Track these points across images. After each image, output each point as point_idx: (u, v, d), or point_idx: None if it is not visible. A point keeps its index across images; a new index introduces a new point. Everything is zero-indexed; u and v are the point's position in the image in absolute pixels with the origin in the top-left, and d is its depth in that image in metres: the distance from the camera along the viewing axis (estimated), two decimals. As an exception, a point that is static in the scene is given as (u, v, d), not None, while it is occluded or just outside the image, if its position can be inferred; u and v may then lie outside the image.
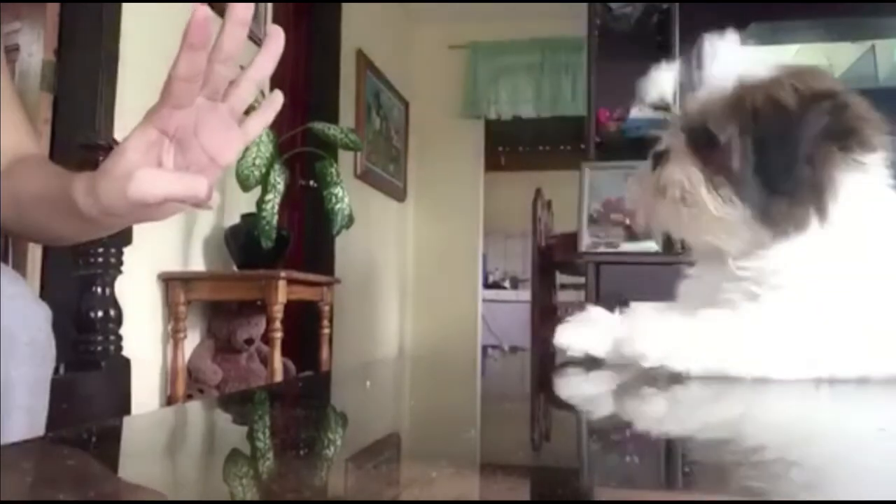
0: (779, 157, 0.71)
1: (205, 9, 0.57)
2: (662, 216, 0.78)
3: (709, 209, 0.73)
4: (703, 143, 0.74)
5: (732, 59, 0.76)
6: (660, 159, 0.78)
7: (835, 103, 0.71)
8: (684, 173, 0.75)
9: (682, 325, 0.72)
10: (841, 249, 0.71)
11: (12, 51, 2.23)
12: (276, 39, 0.65)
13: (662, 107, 0.79)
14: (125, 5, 2.25)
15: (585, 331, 0.81)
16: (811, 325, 0.70)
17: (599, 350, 0.79)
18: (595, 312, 0.83)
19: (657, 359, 0.71)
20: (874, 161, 0.72)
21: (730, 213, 0.72)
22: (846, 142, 0.71)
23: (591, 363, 0.79)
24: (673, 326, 0.72)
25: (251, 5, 0.62)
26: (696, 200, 0.74)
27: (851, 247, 0.71)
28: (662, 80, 0.79)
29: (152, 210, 0.66)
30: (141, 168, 0.62)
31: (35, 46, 2.24)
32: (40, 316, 0.81)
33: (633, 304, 0.81)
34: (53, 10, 2.22)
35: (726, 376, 0.69)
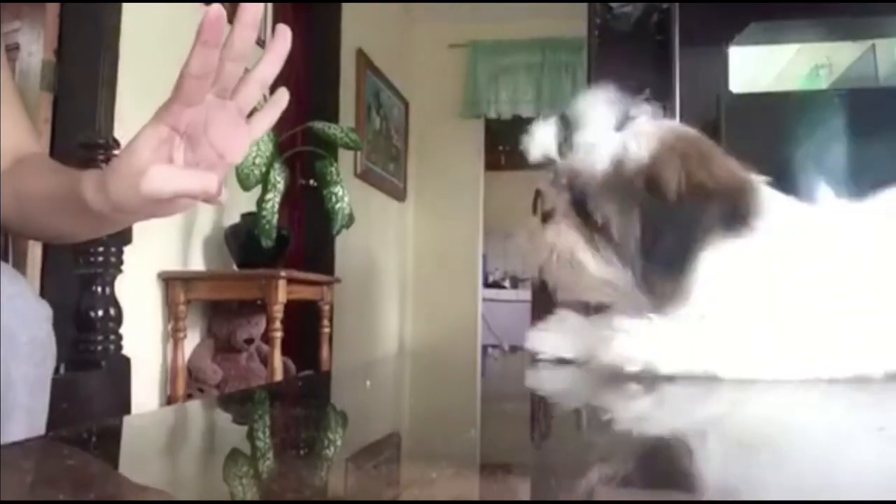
0: (658, 241, 0.71)
1: (218, 7, 0.58)
2: (550, 273, 0.79)
3: (587, 271, 0.75)
4: (583, 210, 0.75)
5: (608, 121, 0.75)
6: (546, 218, 0.79)
7: (724, 202, 0.70)
8: (562, 236, 0.76)
9: (663, 327, 0.72)
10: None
11: (12, 51, 2.23)
12: (283, 39, 0.65)
13: (547, 162, 0.78)
14: (125, 5, 2.25)
15: (557, 335, 0.84)
16: (788, 324, 0.71)
17: (570, 353, 0.82)
18: (566, 316, 0.85)
19: (640, 362, 0.71)
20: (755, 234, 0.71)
21: (610, 274, 0.74)
22: (727, 230, 0.71)
23: (588, 364, 0.79)
24: (654, 330, 0.73)
25: (260, 7, 0.62)
26: (575, 262, 0.76)
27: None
28: (544, 136, 0.78)
29: (163, 206, 0.66)
30: (153, 164, 0.63)
31: (35, 46, 2.24)
32: (41, 315, 0.81)
33: (600, 315, 0.83)
34: (53, 10, 2.22)
35: (710, 377, 0.70)
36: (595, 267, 0.74)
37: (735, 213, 0.71)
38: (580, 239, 0.75)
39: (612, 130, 0.74)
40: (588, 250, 0.75)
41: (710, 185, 0.71)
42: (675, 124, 0.78)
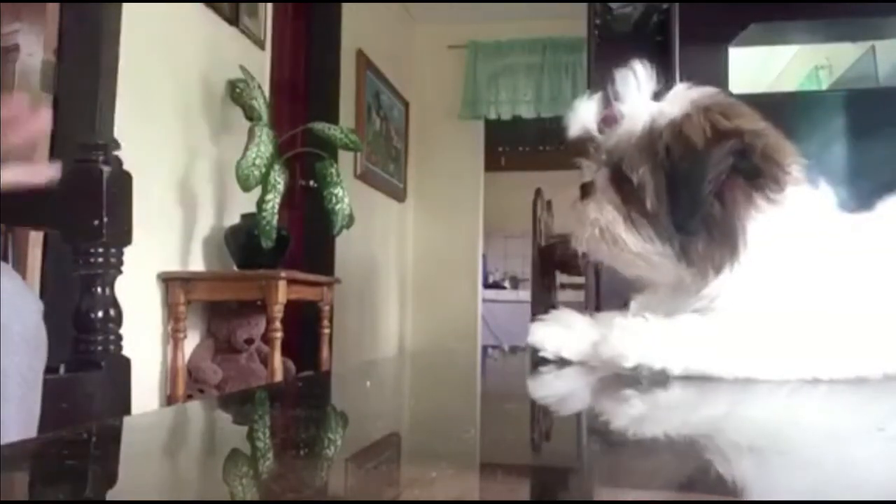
0: (686, 196, 0.71)
1: None
2: (592, 248, 0.79)
3: (628, 247, 0.75)
4: (621, 180, 0.75)
5: (647, 91, 0.76)
6: (586, 193, 0.79)
7: (742, 142, 0.70)
8: (603, 211, 0.76)
9: (661, 325, 0.72)
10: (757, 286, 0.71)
11: (12, 51, 2.23)
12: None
13: (587, 138, 0.79)
14: (125, 5, 2.25)
15: (559, 331, 0.82)
16: (784, 326, 0.71)
17: (572, 351, 0.80)
18: (567, 315, 0.84)
19: (637, 358, 0.71)
20: (786, 197, 0.71)
21: (649, 251, 0.74)
22: (754, 181, 0.71)
23: (588, 363, 0.79)
24: (651, 327, 0.72)
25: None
26: (615, 238, 0.75)
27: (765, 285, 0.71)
28: (584, 112, 0.79)
29: None
30: None
31: (35, 46, 2.24)
32: (32, 308, 0.82)
33: (599, 314, 0.83)
34: (53, 10, 2.22)
35: (707, 375, 0.70)
36: (634, 243, 0.74)
37: (758, 157, 0.70)
38: (619, 215, 0.75)
39: (649, 100, 0.75)
40: (627, 227, 0.74)
41: (735, 131, 0.71)
42: (709, 89, 0.77)
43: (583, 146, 0.80)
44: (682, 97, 0.75)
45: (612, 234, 0.75)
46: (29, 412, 0.80)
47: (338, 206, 2.70)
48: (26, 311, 0.81)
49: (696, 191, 0.70)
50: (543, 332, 0.83)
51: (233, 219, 2.76)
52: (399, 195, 4.94)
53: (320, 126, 2.86)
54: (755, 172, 0.71)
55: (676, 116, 0.73)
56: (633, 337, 0.72)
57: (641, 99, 0.76)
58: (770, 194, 0.71)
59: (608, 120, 0.77)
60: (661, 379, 0.70)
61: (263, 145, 2.52)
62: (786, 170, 0.72)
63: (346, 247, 3.75)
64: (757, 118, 0.75)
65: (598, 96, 0.79)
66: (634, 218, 0.74)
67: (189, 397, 2.47)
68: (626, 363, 0.71)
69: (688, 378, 0.70)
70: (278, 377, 2.47)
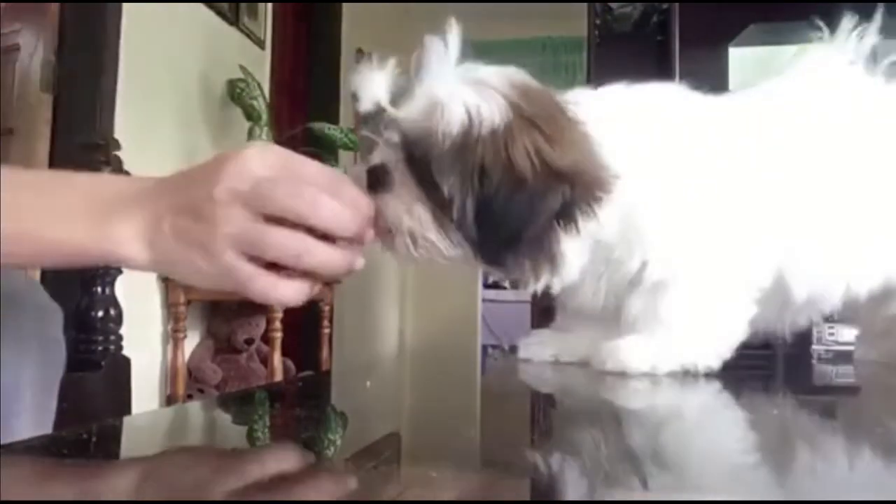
0: (504, 232, 0.66)
1: None
2: (404, 256, 0.70)
3: (442, 253, 0.68)
4: (423, 177, 0.66)
5: (451, 66, 0.70)
6: (378, 180, 0.67)
7: (571, 190, 0.66)
8: (411, 213, 0.67)
9: (658, 330, 0.74)
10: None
11: (12, 51, 2.23)
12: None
13: (378, 111, 0.69)
14: (125, 5, 2.25)
15: (547, 346, 0.84)
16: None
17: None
18: (546, 334, 0.87)
19: (642, 366, 0.72)
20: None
21: (461, 257, 0.68)
22: (577, 217, 0.67)
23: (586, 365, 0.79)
24: (647, 334, 0.74)
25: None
26: (426, 243, 0.68)
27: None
28: (375, 82, 0.69)
29: None
30: (256, 276, 0.56)
31: (35, 46, 2.24)
32: (51, 318, 0.81)
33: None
34: (53, 10, 2.22)
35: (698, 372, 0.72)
36: (448, 248, 0.67)
37: (582, 198, 0.66)
38: (427, 215, 0.67)
39: (461, 85, 0.68)
40: (438, 232, 0.67)
41: (566, 175, 0.65)
42: (525, 80, 0.72)
43: (373, 120, 0.70)
44: (499, 88, 0.68)
45: (424, 238, 0.67)
46: (42, 423, 0.79)
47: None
48: (44, 320, 0.80)
49: (517, 231, 0.65)
50: (533, 347, 0.86)
51: (233, 219, 2.76)
52: (399, 195, 4.94)
53: (320, 126, 2.86)
54: (573, 219, 0.67)
55: (497, 127, 0.65)
56: (634, 345, 0.73)
57: (450, 80, 0.68)
58: (587, 214, 0.67)
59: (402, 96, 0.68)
60: (661, 380, 0.70)
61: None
62: (602, 190, 0.67)
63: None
64: (581, 138, 0.68)
65: (391, 64, 0.70)
66: (443, 221, 0.66)
67: (189, 397, 2.47)
68: (632, 371, 0.72)
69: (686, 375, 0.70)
70: (278, 377, 2.47)
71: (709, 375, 0.72)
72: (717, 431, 0.52)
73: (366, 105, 0.68)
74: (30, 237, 0.56)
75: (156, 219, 0.55)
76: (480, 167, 0.64)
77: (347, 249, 0.58)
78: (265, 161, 0.56)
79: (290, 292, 0.56)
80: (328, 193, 0.55)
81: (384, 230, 0.67)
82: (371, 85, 0.69)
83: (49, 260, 0.61)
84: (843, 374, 0.96)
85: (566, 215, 0.66)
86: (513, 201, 0.64)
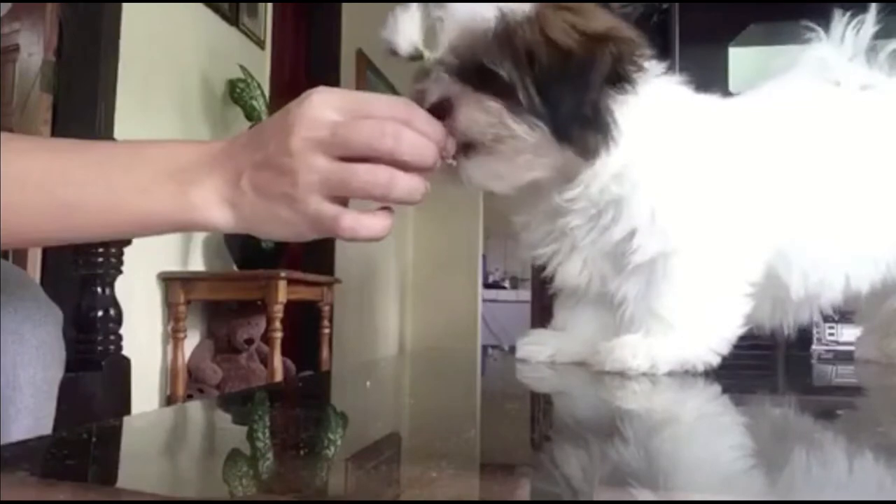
0: (568, 101, 0.68)
1: None
2: (472, 173, 0.71)
3: (522, 136, 0.68)
4: (485, 80, 0.68)
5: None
6: (442, 112, 0.67)
7: (616, 48, 0.69)
8: (483, 111, 0.68)
9: (655, 328, 0.74)
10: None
11: (12, 51, 2.23)
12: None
13: (417, 56, 0.72)
14: (125, 5, 2.25)
15: (545, 346, 0.85)
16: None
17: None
18: (544, 334, 0.87)
19: (641, 366, 0.73)
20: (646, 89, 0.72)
21: (539, 138, 0.69)
22: (626, 81, 0.70)
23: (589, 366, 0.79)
24: (645, 333, 0.74)
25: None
26: (506, 134, 0.69)
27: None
28: (407, 24, 0.72)
29: None
30: (341, 216, 0.56)
31: (35, 46, 2.24)
32: (50, 319, 0.81)
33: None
34: (53, 10, 2.22)
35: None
36: (525, 132, 0.68)
37: (627, 57, 0.70)
38: (499, 104, 0.68)
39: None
40: (511, 116, 0.68)
41: (604, 36, 0.69)
42: None
43: (417, 68, 0.73)
44: None
45: (501, 131, 0.68)
46: (41, 424, 0.79)
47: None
48: (44, 321, 0.80)
49: (580, 98, 0.68)
50: (529, 347, 0.86)
51: (233, 219, 2.76)
52: (399, 195, 4.93)
53: (320, 126, 2.85)
54: (623, 77, 0.70)
55: (530, 14, 0.68)
56: (633, 345, 0.73)
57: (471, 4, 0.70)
58: (631, 90, 0.71)
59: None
60: (660, 379, 0.70)
61: (263, 145, 2.51)
62: (644, 68, 0.72)
63: (345, 246, 3.75)
64: (606, 14, 0.73)
65: (415, 6, 0.73)
66: (514, 108, 0.68)
67: (189, 397, 2.47)
68: (632, 371, 0.73)
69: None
70: (278, 377, 2.47)
71: (708, 375, 0.72)
72: (717, 432, 0.52)
73: (405, 50, 0.72)
74: (124, 209, 0.58)
75: (235, 179, 0.57)
76: (527, 52, 0.67)
77: (421, 175, 0.58)
78: (333, 104, 0.56)
79: (378, 227, 0.58)
80: (405, 125, 0.56)
81: (452, 155, 0.67)
82: (406, 30, 0.72)
83: (139, 231, 0.63)
84: (843, 374, 0.96)
85: (617, 76, 0.69)
86: (567, 73, 0.67)
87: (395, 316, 4.97)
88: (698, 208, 0.73)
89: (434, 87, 0.70)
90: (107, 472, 0.40)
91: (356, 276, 4.00)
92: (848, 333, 1.74)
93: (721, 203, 0.74)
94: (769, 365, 0.94)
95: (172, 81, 2.51)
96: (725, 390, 0.71)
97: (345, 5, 3.98)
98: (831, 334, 1.90)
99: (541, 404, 0.70)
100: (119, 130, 2.18)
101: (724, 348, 0.74)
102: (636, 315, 0.75)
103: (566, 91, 0.68)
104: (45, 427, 0.80)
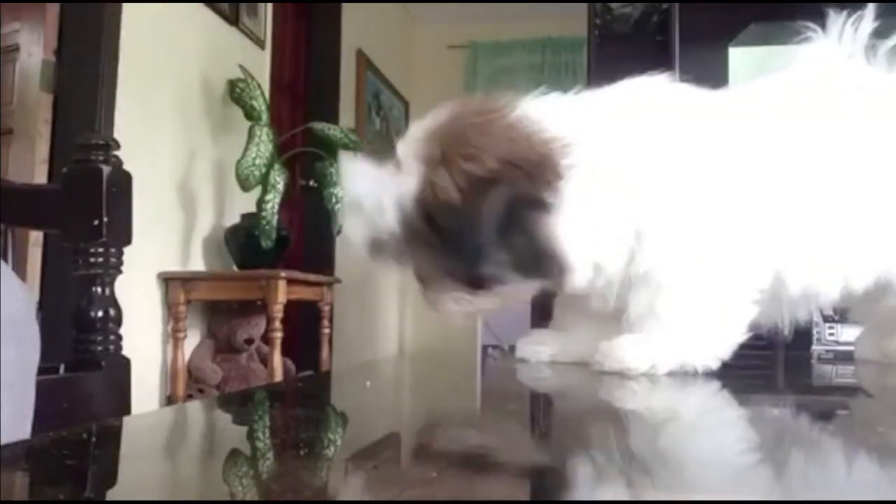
0: (466, 252, 0.68)
1: None
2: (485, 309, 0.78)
3: (477, 307, 0.74)
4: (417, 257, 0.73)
5: (373, 175, 0.72)
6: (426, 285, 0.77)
7: (509, 188, 0.66)
8: (447, 300, 0.75)
9: (656, 330, 0.74)
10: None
11: (12, 51, 2.23)
12: None
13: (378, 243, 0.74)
14: (125, 5, 2.25)
15: (545, 345, 0.86)
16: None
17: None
18: (544, 333, 0.88)
19: (640, 366, 0.73)
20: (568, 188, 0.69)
21: (493, 293, 0.72)
22: (533, 199, 0.67)
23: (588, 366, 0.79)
24: (646, 334, 0.74)
25: None
26: (475, 308, 0.75)
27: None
28: (352, 228, 0.75)
29: None
30: None
31: (35, 46, 2.24)
32: (20, 296, 0.80)
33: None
34: (53, 10, 2.22)
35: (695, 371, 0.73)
36: (478, 299, 0.74)
37: (531, 186, 0.67)
38: (451, 291, 0.74)
39: (381, 179, 0.71)
40: (462, 293, 0.73)
41: (488, 171, 0.66)
42: (440, 116, 0.74)
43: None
44: (408, 156, 0.70)
45: (471, 307, 0.75)
46: (17, 405, 0.78)
47: (338, 206, 2.70)
48: (14, 299, 0.79)
49: (475, 244, 0.67)
50: (529, 347, 0.87)
51: (233, 219, 2.76)
52: (399, 195, 4.93)
53: (320, 126, 2.86)
54: (531, 194, 0.67)
55: (418, 188, 0.68)
56: (635, 346, 0.74)
57: (372, 186, 0.71)
58: (553, 190, 0.67)
59: None
60: (661, 379, 0.70)
61: (263, 145, 2.52)
62: (559, 164, 0.68)
63: (345, 246, 3.75)
64: (503, 133, 0.69)
65: (350, 206, 0.74)
66: (459, 285, 0.73)
67: (189, 397, 2.47)
68: (632, 372, 0.73)
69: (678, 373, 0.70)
70: (278, 377, 2.47)
71: (708, 375, 0.72)
72: (717, 432, 0.52)
73: (365, 248, 0.76)
74: None
75: None
76: (425, 219, 0.67)
77: None
78: None
79: None
80: None
81: None
82: (352, 231, 0.74)
83: None
84: (843, 374, 0.96)
85: (523, 209, 0.67)
86: (462, 223, 0.66)
87: (395, 316, 4.97)
88: (702, 218, 0.73)
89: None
90: (107, 472, 0.40)
91: (356, 276, 4.00)
92: (848, 333, 1.75)
93: (726, 211, 0.73)
94: (769, 365, 0.93)
95: (172, 81, 2.51)
96: (724, 389, 0.71)
97: (345, 5, 3.98)
98: (831, 334, 1.91)
99: (541, 404, 0.70)
100: (119, 130, 2.18)
101: (726, 353, 0.74)
102: (640, 317, 0.75)
103: (474, 240, 0.67)
104: (25, 408, 0.79)
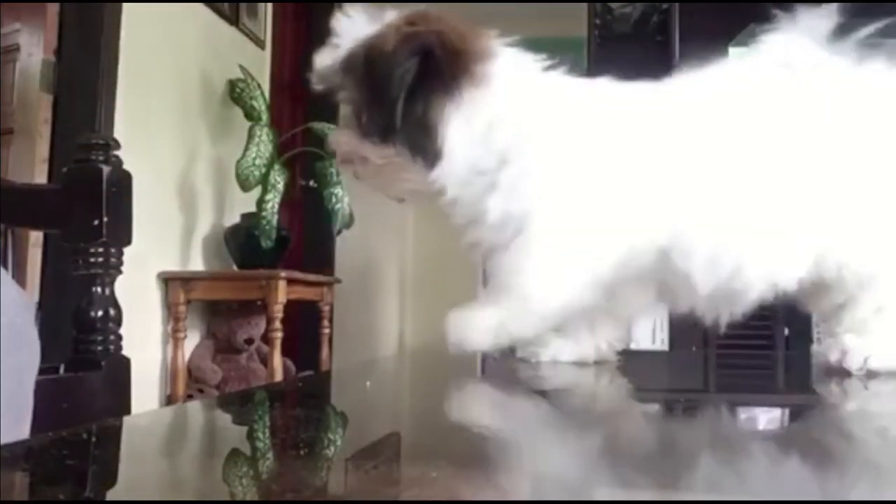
0: (378, 103, 0.73)
1: None
2: (370, 184, 0.83)
3: (372, 160, 0.77)
4: (346, 100, 0.78)
5: (363, 26, 0.77)
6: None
7: (421, 43, 0.72)
8: (343, 135, 0.79)
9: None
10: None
11: (12, 51, 2.23)
12: None
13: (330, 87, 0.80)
14: (125, 5, 2.26)
15: (544, 346, 0.84)
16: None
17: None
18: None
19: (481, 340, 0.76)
20: (493, 76, 0.75)
21: (390, 155, 0.75)
22: (451, 77, 0.73)
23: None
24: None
25: None
26: (361, 157, 0.77)
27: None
28: (321, 63, 0.80)
29: None
30: None
31: (35, 46, 2.24)
32: (18, 302, 0.80)
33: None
34: (53, 10, 2.22)
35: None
36: (375, 153, 0.76)
37: (442, 54, 0.72)
38: (356, 134, 0.77)
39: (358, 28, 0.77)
40: (364, 143, 0.76)
41: (414, 35, 0.73)
42: (420, 8, 0.79)
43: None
44: (389, 18, 0.77)
45: (358, 154, 0.78)
46: (15, 413, 0.78)
47: (338, 206, 2.70)
48: (11, 304, 0.79)
49: (385, 96, 0.72)
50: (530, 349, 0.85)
51: (233, 218, 2.76)
52: (399, 195, 4.93)
53: (320, 126, 2.86)
54: (445, 69, 0.73)
55: (374, 34, 0.75)
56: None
57: (356, 31, 0.77)
58: (470, 83, 0.73)
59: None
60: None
61: (263, 145, 2.52)
62: (478, 55, 0.75)
63: (346, 246, 3.75)
64: (450, 22, 0.77)
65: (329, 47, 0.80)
66: (366, 131, 0.76)
67: (189, 397, 2.48)
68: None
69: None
70: (278, 377, 2.47)
71: (708, 375, 0.72)
72: (717, 432, 0.52)
73: (317, 85, 0.80)
74: None
75: None
76: (362, 65, 0.74)
77: None
78: None
79: None
80: None
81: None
82: (319, 68, 0.79)
83: None
84: (842, 374, 0.96)
85: (435, 83, 0.72)
86: (378, 76, 0.72)
87: (395, 316, 4.97)
88: (561, 180, 0.74)
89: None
90: (107, 472, 0.40)
91: (356, 276, 4.00)
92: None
93: (587, 179, 0.74)
94: (769, 365, 0.93)
95: (172, 81, 2.51)
96: (724, 389, 0.71)
97: (344, 5, 3.98)
98: (831, 334, 1.91)
99: (541, 404, 0.70)
100: (119, 130, 2.18)
101: (546, 318, 0.75)
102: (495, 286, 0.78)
103: (378, 99, 0.73)
104: (22, 414, 0.78)
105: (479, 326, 0.75)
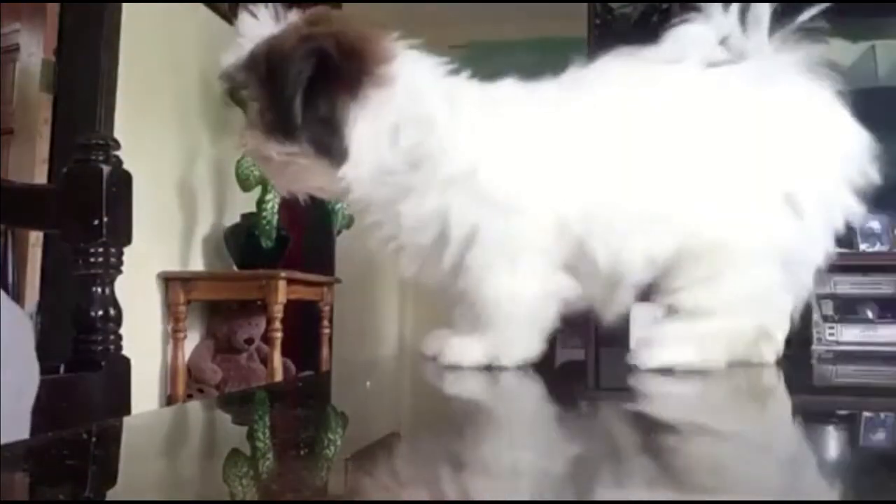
0: (278, 102, 0.74)
1: None
2: (271, 177, 0.85)
3: (275, 158, 0.77)
4: (251, 98, 0.79)
5: (268, 25, 0.79)
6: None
7: (317, 44, 0.73)
8: (248, 133, 0.79)
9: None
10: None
11: (12, 51, 2.23)
12: None
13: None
14: (125, 5, 2.26)
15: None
16: None
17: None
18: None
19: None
20: (396, 76, 0.76)
21: (295, 153, 0.76)
22: (352, 78, 0.74)
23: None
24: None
25: None
26: (265, 155, 0.78)
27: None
28: (229, 61, 0.81)
29: None
30: None
31: (35, 46, 2.24)
32: (16, 322, 0.80)
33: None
34: (53, 10, 2.22)
35: None
36: (278, 151, 0.76)
37: (338, 55, 0.73)
38: (260, 133, 0.78)
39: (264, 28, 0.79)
40: (268, 141, 0.77)
41: (310, 36, 0.74)
42: (323, 8, 0.81)
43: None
44: (292, 19, 0.78)
45: (262, 153, 0.78)
46: (15, 431, 0.77)
47: (337, 206, 2.70)
48: (7, 322, 0.78)
49: (283, 96, 0.73)
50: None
51: (233, 218, 2.76)
52: (399, 195, 4.93)
53: (320, 126, 2.86)
54: (344, 70, 0.73)
55: (275, 34, 0.76)
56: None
57: (260, 31, 0.79)
58: (372, 84, 0.74)
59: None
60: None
61: (263, 145, 2.52)
62: (378, 57, 0.76)
63: (345, 246, 3.75)
64: (351, 23, 0.79)
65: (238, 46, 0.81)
66: (270, 128, 0.76)
67: (189, 397, 2.48)
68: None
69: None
70: (278, 377, 2.47)
71: (707, 375, 0.72)
72: (717, 432, 0.52)
73: (225, 83, 0.83)
74: None
75: None
76: (263, 64, 0.75)
77: None
78: None
79: None
80: None
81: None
82: (226, 64, 0.81)
83: None
84: (842, 374, 0.96)
85: (338, 83, 0.73)
86: (277, 76, 0.73)
87: (395, 316, 4.97)
88: (472, 180, 0.75)
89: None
90: (107, 472, 0.40)
91: (356, 276, 3.99)
92: (848, 333, 1.74)
93: (498, 177, 0.76)
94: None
95: (172, 81, 2.51)
96: (724, 389, 0.71)
97: (345, 5, 3.98)
98: (831, 334, 1.91)
99: (542, 403, 0.70)
100: (119, 130, 2.18)
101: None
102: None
103: (277, 98, 0.74)
104: (21, 433, 0.78)
105: (471, 357, 0.76)
